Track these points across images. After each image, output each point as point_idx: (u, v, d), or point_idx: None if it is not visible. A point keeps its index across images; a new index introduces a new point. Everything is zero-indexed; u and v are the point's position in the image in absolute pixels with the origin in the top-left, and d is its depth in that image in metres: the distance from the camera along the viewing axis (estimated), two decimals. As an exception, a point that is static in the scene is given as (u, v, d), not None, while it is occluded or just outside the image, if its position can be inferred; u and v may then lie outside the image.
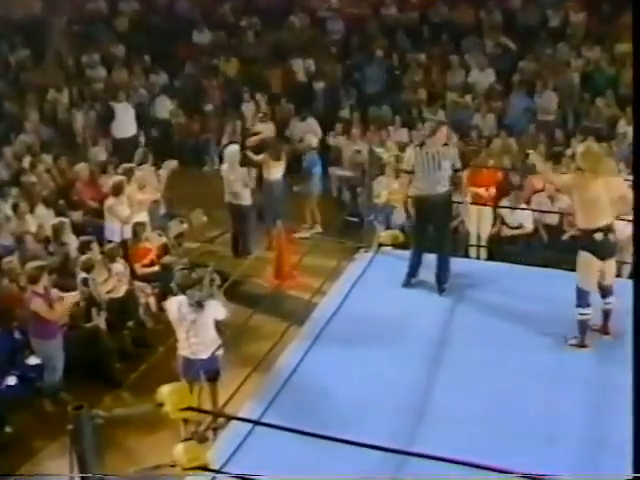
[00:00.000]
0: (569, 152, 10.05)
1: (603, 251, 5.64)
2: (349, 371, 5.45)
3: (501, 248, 9.10)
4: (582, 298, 5.68)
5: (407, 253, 6.69)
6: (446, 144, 6.33)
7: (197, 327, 5.87)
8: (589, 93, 11.72)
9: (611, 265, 5.77)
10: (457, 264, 6.68)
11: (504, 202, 9.40)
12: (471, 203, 8.69)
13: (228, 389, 5.48)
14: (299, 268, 8.14)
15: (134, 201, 8.55)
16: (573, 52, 12.47)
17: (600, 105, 11.46)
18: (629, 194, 5.62)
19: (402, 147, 10.00)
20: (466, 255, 8.91)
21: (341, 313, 6.25)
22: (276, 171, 9.79)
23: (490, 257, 9.04)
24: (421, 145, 6.28)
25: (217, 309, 5.93)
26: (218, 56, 13.66)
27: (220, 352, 5.98)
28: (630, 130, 10.68)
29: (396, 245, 7.18)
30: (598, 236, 5.61)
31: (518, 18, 13.60)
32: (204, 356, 5.90)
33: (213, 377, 5.92)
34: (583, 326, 5.71)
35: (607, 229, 5.62)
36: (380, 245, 7.23)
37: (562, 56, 12.46)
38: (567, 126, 11.36)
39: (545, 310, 6.12)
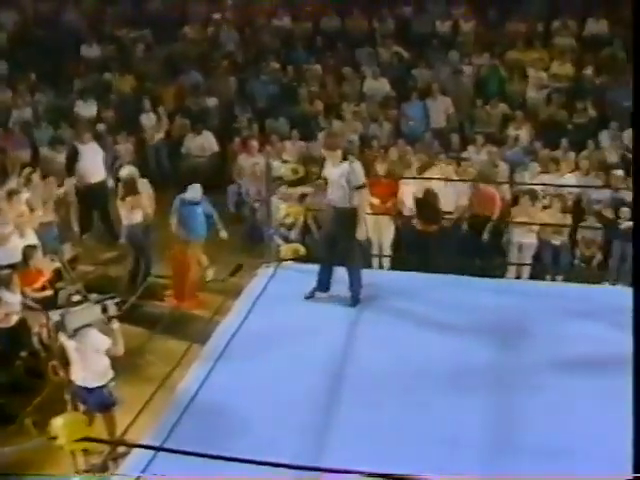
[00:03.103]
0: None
1: None
2: (254, 389, 5.36)
3: (404, 257, 9.15)
4: None
5: (309, 266, 6.63)
6: (346, 158, 6.26)
7: (80, 356, 5.61)
8: (481, 99, 11.94)
9: None
10: (363, 275, 6.65)
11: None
12: (371, 213, 8.72)
13: (129, 414, 5.29)
14: (200, 286, 7.98)
15: (19, 222, 8.13)
16: (465, 59, 12.70)
17: (492, 110, 11.69)
18: None
19: (302, 161, 9.98)
20: (369, 266, 8.93)
21: (244, 330, 6.17)
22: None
23: (393, 266, 9.09)
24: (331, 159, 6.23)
25: (97, 338, 5.64)
26: (110, 71, 13.29)
27: (111, 383, 5.71)
28: (521, 133, 10.99)
29: (297, 259, 7.13)
30: None
31: (411, 27, 13.78)
32: (92, 385, 5.64)
33: (105, 407, 5.66)
34: None
35: None
36: (281, 259, 7.15)
37: (454, 63, 12.69)
38: (462, 132, 11.53)
39: (452, 317, 6.18)
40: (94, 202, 9.84)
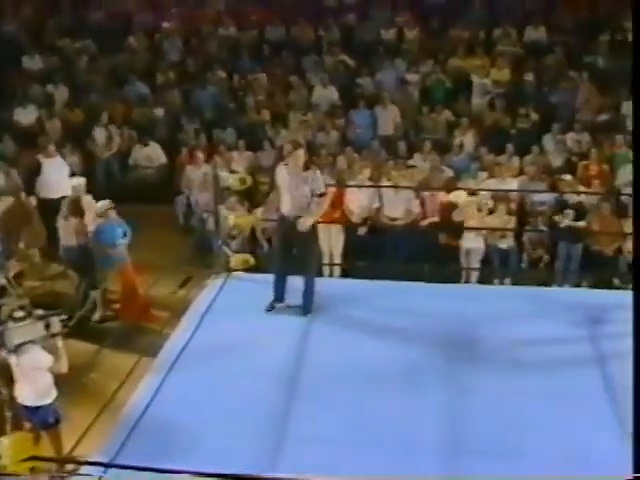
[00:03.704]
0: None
1: None
2: (205, 401, 5.30)
3: (355, 265, 9.18)
4: None
5: (259, 277, 6.60)
6: (308, 167, 6.25)
7: (23, 373, 5.49)
8: (427, 106, 12.05)
9: None
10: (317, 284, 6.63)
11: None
12: (321, 222, 8.71)
13: (78, 431, 5.22)
14: (149, 299, 7.90)
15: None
16: (410, 67, 12.82)
17: (437, 117, 11.81)
18: None
19: (251, 171, 9.96)
20: (320, 274, 8.94)
21: (194, 342, 6.10)
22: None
23: (344, 274, 9.11)
24: (285, 167, 6.20)
25: (39, 355, 5.49)
26: (53, 83, 13.09)
27: (56, 402, 5.59)
28: (466, 140, 11.14)
29: (247, 269, 7.10)
30: None
31: (355, 35, 13.87)
32: (36, 404, 5.51)
33: (50, 425, 5.54)
34: None
35: None
36: (231, 270, 7.12)
37: (400, 71, 12.79)
38: (409, 139, 11.63)
39: (402, 323, 6.22)
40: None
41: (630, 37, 12.77)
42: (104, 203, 8.34)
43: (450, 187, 9.89)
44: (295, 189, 6.15)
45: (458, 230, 9.06)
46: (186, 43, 14.03)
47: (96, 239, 8.33)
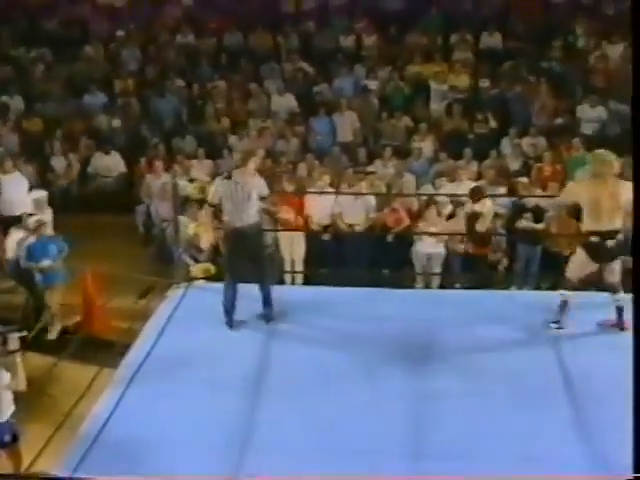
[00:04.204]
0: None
1: (599, 255, 5.90)
2: (167, 413, 5.24)
3: (316, 272, 9.19)
4: (567, 283, 6.12)
5: (220, 286, 6.55)
6: (254, 174, 6.24)
7: None
8: (386, 112, 12.11)
9: (611, 267, 5.99)
10: (275, 292, 6.62)
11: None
12: (281, 230, 8.74)
13: (37, 446, 5.14)
14: (109, 310, 7.81)
15: None
16: (369, 73, 12.86)
17: (396, 123, 11.86)
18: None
19: (212, 178, 9.90)
20: (281, 282, 8.93)
21: (155, 353, 6.03)
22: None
23: (306, 282, 9.10)
24: (229, 177, 6.16)
25: None
26: (7, 94, 12.90)
27: (12, 419, 5.47)
28: (424, 145, 11.22)
29: (208, 278, 7.06)
30: (594, 239, 5.84)
31: (314, 42, 13.88)
32: None
33: (8, 442, 5.43)
34: (563, 307, 6.12)
35: (608, 234, 5.82)
36: (192, 279, 7.08)
37: (359, 77, 12.83)
38: (368, 145, 11.67)
39: (363, 329, 6.23)
40: None
41: (580, 42, 13.02)
42: (34, 219, 8.18)
43: (410, 194, 9.98)
44: (242, 197, 6.11)
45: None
46: (144, 51, 13.93)
47: (26, 257, 8.18)
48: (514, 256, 9.26)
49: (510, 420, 5.07)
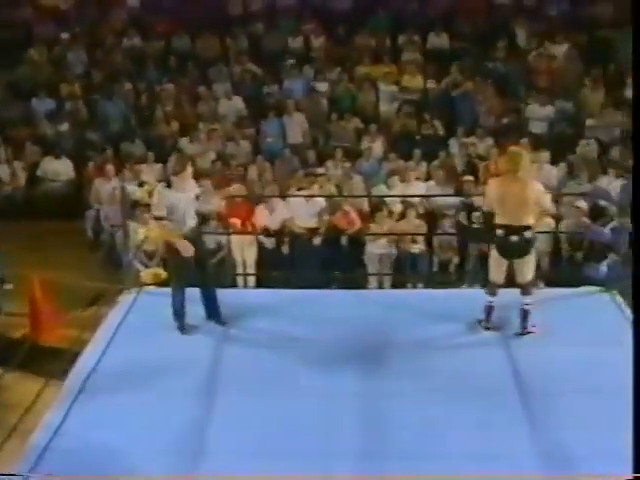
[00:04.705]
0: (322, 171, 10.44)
1: (505, 250, 5.94)
2: (119, 421, 5.17)
3: (269, 274, 9.16)
4: (489, 287, 6.16)
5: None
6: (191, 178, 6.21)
7: None
8: (336, 113, 12.13)
9: (521, 265, 6.01)
10: (227, 295, 6.61)
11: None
12: (231, 233, 8.71)
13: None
14: (57, 318, 7.69)
15: None
16: (318, 75, 12.86)
17: (346, 124, 11.89)
18: (544, 200, 5.99)
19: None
20: (234, 285, 8.91)
21: (106, 361, 5.95)
22: None
23: (259, 284, 9.09)
24: (169, 185, 6.11)
25: None
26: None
27: None
28: (374, 146, 11.27)
29: (159, 283, 6.99)
30: (499, 232, 5.89)
31: (263, 44, 13.83)
32: None
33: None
34: (487, 311, 6.18)
35: (515, 230, 5.84)
36: (142, 285, 7.00)
37: (308, 79, 12.83)
38: (318, 147, 11.68)
39: (316, 330, 6.24)
40: None
41: (522, 43, 13.20)
42: None
43: (361, 195, 10.04)
44: (184, 204, 6.08)
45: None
46: (90, 54, 13.72)
47: None
48: (464, 255, 9.37)
49: (461, 418, 5.12)
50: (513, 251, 5.96)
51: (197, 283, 6.35)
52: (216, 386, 5.61)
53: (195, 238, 6.20)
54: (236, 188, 9.23)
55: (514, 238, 5.88)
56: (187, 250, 6.03)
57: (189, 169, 6.13)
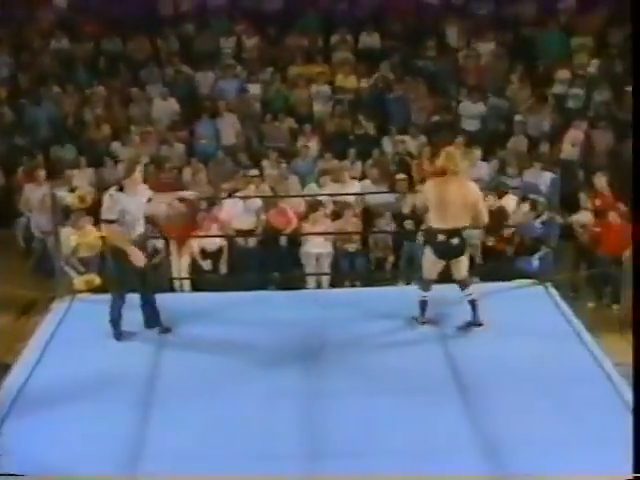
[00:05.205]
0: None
1: (444, 253, 6.00)
2: (54, 436, 5.04)
3: (202, 278, 9.09)
4: (423, 283, 6.24)
5: (106, 297, 6.38)
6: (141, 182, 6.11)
7: None
8: (269, 114, 12.10)
9: (457, 263, 6.08)
10: (164, 299, 6.52)
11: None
12: (166, 237, 8.62)
13: None
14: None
15: None
16: (250, 76, 12.81)
17: (280, 125, 11.87)
18: (481, 204, 6.00)
19: (97, 187, 9.62)
20: (171, 289, 8.82)
21: (40, 372, 5.81)
22: None
23: (195, 288, 9.02)
24: (121, 189, 6.00)
25: None
26: None
27: None
28: (311, 145, 11.28)
29: (93, 290, 6.86)
30: (440, 237, 5.89)
31: (195, 45, 13.70)
32: None
33: None
34: (422, 306, 6.27)
35: (451, 232, 5.86)
36: (76, 292, 6.87)
37: (240, 79, 12.76)
38: (251, 148, 11.64)
39: (256, 333, 6.22)
40: None
41: (453, 42, 13.40)
42: None
43: (297, 195, 10.04)
44: (135, 209, 5.99)
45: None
46: (16, 57, 13.39)
47: None
48: (400, 253, 9.45)
49: (403, 416, 5.15)
50: (452, 253, 6.03)
51: (138, 289, 6.25)
52: (155, 392, 5.53)
53: (143, 244, 6.11)
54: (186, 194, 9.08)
55: (455, 241, 5.94)
56: (139, 259, 5.94)
57: (138, 172, 6.03)
